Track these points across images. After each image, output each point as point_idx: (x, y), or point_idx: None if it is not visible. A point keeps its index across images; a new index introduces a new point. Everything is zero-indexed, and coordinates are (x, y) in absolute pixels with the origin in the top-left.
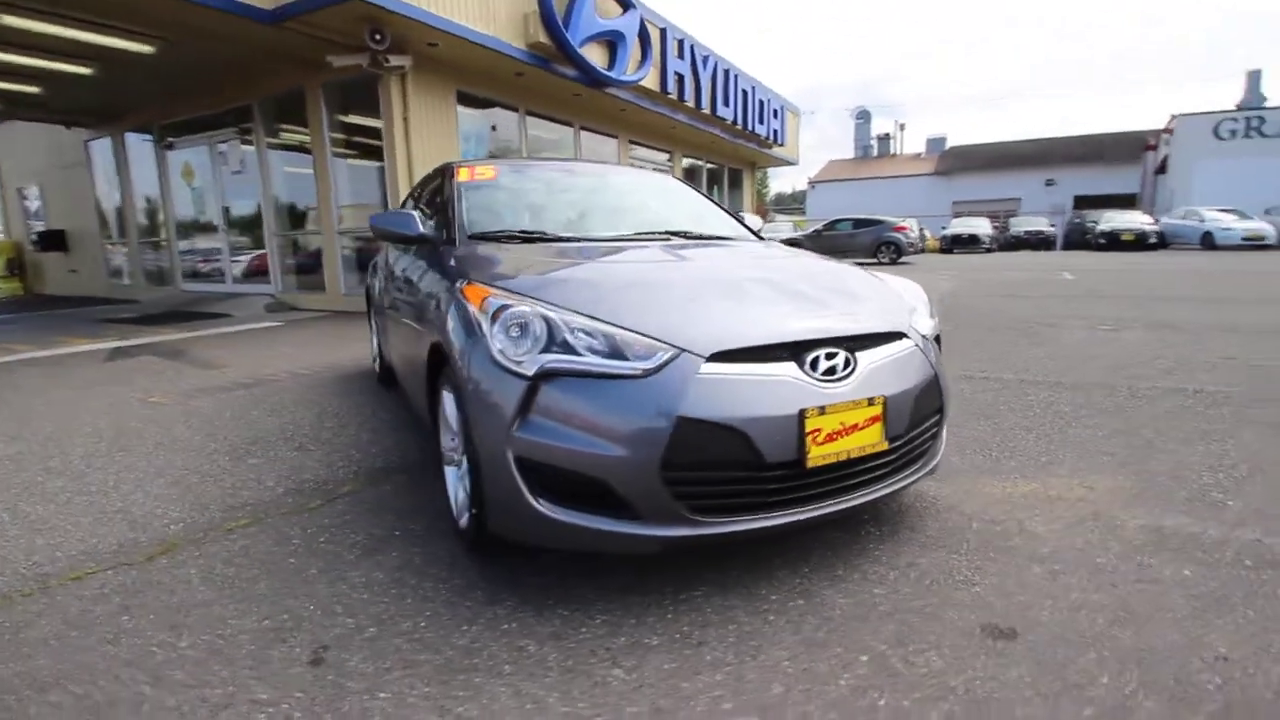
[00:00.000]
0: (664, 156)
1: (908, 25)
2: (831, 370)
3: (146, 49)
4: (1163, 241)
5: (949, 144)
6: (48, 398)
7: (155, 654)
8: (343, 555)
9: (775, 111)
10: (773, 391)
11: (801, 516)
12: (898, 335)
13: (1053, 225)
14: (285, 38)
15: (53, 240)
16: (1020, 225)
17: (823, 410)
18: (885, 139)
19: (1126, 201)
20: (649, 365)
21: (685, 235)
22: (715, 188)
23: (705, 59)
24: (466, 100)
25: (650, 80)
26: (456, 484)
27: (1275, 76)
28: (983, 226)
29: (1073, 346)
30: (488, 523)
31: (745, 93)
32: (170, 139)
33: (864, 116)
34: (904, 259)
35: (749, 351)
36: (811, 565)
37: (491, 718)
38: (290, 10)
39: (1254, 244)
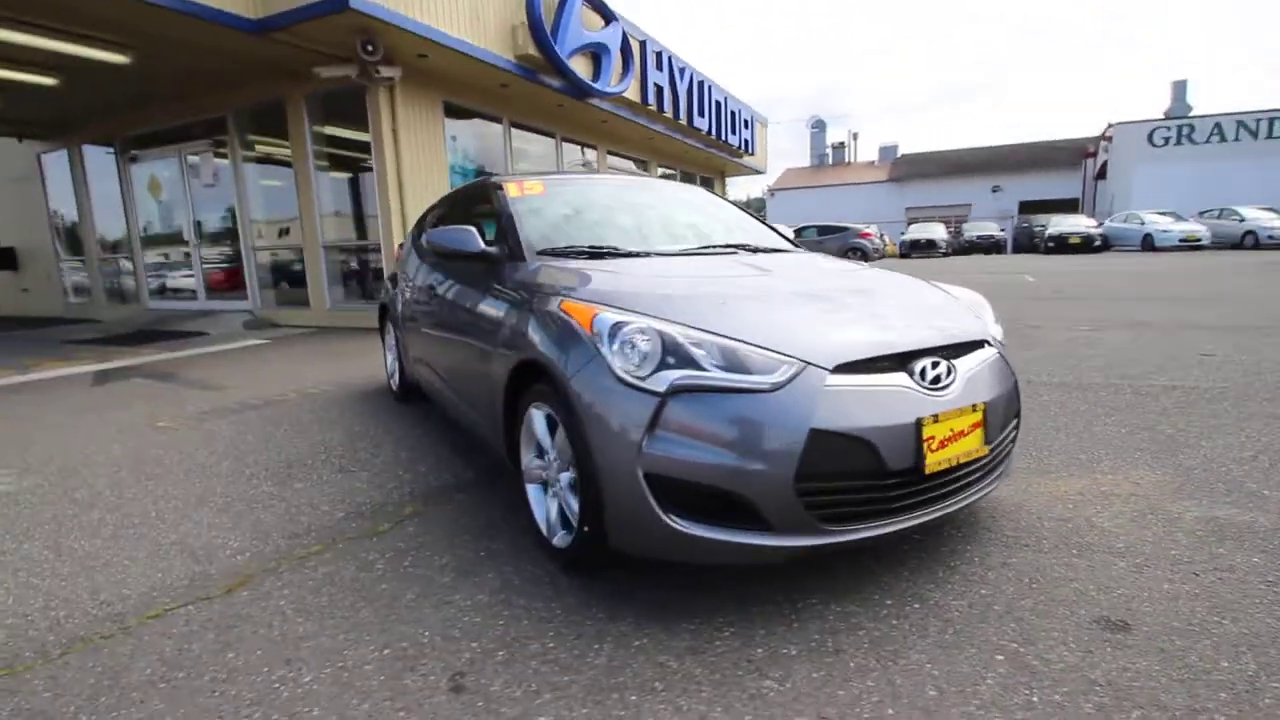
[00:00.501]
0: (639, 166)
1: (869, 21)
2: (937, 379)
3: (121, 59)
4: (1106, 244)
5: (901, 152)
6: (43, 425)
7: (280, 691)
8: (436, 578)
9: (746, 122)
10: (891, 401)
11: (917, 521)
12: (982, 343)
13: (1003, 230)
14: (270, 49)
15: (1, 258)
16: (972, 230)
17: (936, 418)
18: (840, 147)
19: (1069, 206)
20: (777, 379)
21: (745, 248)
22: None
23: (682, 71)
24: (452, 111)
25: (631, 92)
26: (546, 502)
27: (1201, 84)
28: (939, 232)
29: (1062, 347)
30: (609, 539)
31: (719, 104)
32: (134, 151)
33: (819, 126)
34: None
35: (864, 363)
36: (910, 569)
37: None
38: (277, 21)
39: (1190, 245)
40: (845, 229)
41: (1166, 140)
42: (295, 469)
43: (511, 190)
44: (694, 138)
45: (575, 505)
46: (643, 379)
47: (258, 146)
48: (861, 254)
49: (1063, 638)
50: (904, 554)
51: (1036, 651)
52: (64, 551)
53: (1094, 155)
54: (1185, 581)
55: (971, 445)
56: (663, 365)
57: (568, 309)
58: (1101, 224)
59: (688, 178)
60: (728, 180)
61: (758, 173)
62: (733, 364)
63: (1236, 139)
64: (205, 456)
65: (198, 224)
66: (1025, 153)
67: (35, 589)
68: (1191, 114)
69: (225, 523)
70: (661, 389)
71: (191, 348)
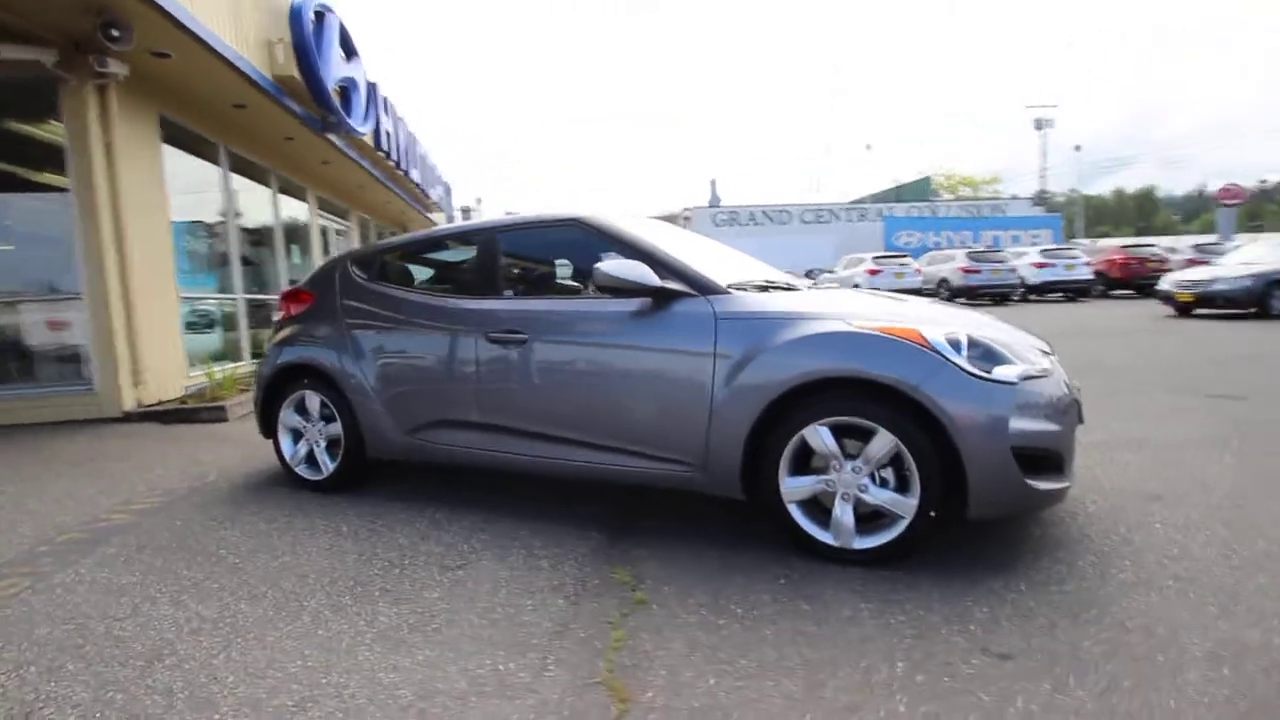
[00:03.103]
0: (339, 216)
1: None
2: None
3: None
4: None
5: None
6: None
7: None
8: (796, 609)
9: (438, 178)
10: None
11: None
12: None
13: None
14: None
15: None
16: None
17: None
18: (467, 211)
19: None
20: (1047, 365)
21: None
22: None
23: (400, 119)
24: (167, 129)
25: (369, 134)
26: (836, 509)
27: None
28: None
29: None
30: (971, 511)
31: (422, 157)
32: None
33: (446, 189)
34: None
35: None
36: None
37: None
38: None
39: None
40: None
41: (724, 222)
42: (372, 586)
43: (624, 226)
44: (403, 187)
45: (911, 500)
46: (989, 374)
47: None
48: None
49: (1145, 507)
50: None
51: (1157, 515)
52: None
53: None
54: (1132, 470)
55: None
56: (991, 363)
57: (882, 330)
58: None
59: (377, 229)
60: None
61: None
62: (1021, 358)
63: (760, 223)
64: (196, 604)
65: None
66: None
67: None
68: (722, 204)
69: (438, 657)
70: (1014, 380)
71: None
